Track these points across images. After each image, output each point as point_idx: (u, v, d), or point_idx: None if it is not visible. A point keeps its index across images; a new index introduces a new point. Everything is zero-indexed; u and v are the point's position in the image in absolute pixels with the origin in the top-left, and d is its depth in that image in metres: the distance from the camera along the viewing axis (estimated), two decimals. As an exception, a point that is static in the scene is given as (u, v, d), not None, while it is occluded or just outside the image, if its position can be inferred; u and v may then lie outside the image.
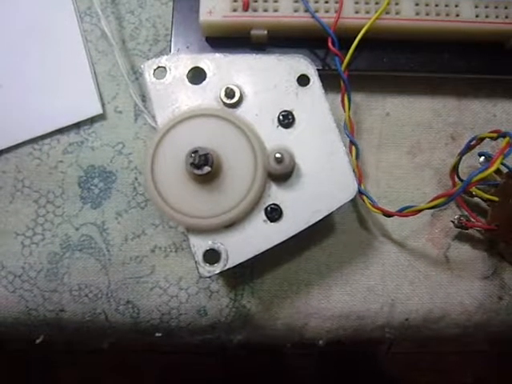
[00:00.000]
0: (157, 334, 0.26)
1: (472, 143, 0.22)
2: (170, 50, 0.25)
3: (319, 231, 0.26)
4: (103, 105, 0.27)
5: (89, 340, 0.27)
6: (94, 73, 0.27)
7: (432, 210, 0.26)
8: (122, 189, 0.26)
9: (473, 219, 0.24)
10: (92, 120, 0.26)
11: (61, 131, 0.26)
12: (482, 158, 0.24)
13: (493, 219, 0.23)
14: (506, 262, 0.25)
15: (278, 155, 0.20)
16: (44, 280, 0.26)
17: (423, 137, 0.27)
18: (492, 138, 0.21)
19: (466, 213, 0.24)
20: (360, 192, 0.24)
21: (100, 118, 0.26)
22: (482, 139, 0.21)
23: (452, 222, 0.24)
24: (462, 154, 0.23)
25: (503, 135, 0.20)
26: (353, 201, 0.26)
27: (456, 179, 0.24)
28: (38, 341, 0.27)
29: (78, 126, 0.26)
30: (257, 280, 0.25)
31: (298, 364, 0.92)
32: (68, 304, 0.26)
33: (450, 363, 0.97)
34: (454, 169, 0.24)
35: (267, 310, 0.26)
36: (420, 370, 0.96)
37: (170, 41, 0.25)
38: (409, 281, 0.26)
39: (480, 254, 0.26)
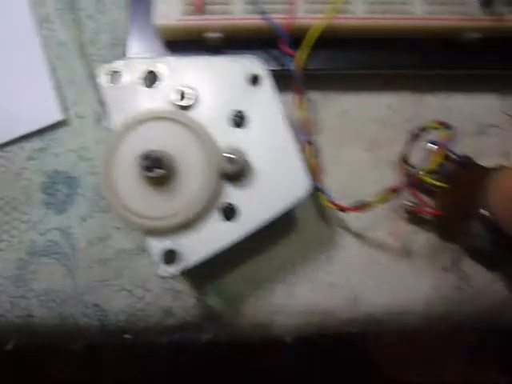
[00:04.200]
0: (125, 336, 0.27)
1: (416, 133, 0.22)
2: (127, 55, 0.25)
3: (281, 229, 0.26)
4: (65, 110, 0.27)
5: (59, 344, 0.28)
6: (55, 79, 0.27)
7: (392, 205, 0.26)
8: (86, 193, 0.26)
9: (423, 205, 0.24)
10: (55, 126, 0.27)
11: (25, 138, 0.27)
12: (429, 145, 0.24)
13: (442, 205, 0.24)
14: (462, 247, 0.26)
15: (228, 155, 0.20)
16: (11, 286, 0.26)
17: (381, 132, 0.27)
18: (435, 129, 0.21)
19: (418, 200, 0.24)
20: (317, 188, 0.24)
21: (62, 123, 0.27)
22: (424, 129, 0.22)
23: (403, 208, 0.24)
24: (408, 145, 0.23)
25: (447, 127, 0.20)
26: (314, 198, 0.26)
27: (407, 168, 0.25)
28: (8, 347, 0.27)
29: (41, 132, 0.27)
30: (221, 279, 0.26)
31: (286, 360, 0.92)
32: (36, 309, 0.26)
33: (438, 354, 0.98)
34: (403, 159, 0.24)
35: (233, 309, 0.26)
36: (408, 361, 0.97)
37: (127, 45, 0.25)
38: (371, 275, 0.26)
39: (440, 246, 0.26)
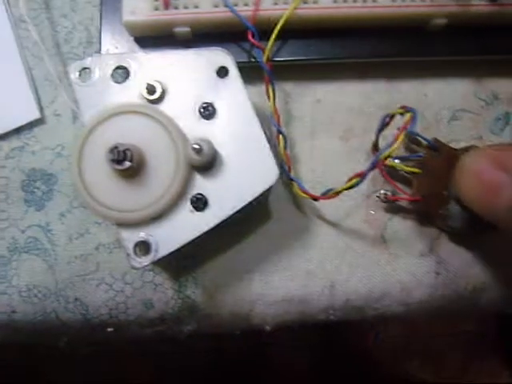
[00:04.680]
0: (108, 329, 0.27)
1: (386, 120, 0.23)
2: (101, 52, 0.26)
3: (257, 219, 0.26)
4: (42, 109, 0.27)
5: (44, 340, 0.28)
6: (32, 78, 0.27)
7: (366, 192, 0.27)
8: (64, 190, 0.27)
9: (399, 192, 0.24)
10: (31, 124, 0.27)
11: (1, 137, 0.27)
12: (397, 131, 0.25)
13: (417, 190, 0.24)
14: (440, 229, 0.26)
15: (195, 146, 0.21)
16: (-7, 283, 0.26)
17: (355, 121, 0.27)
18: (400, 114, 0.22)
19: (394, 187, 0.25)
20: (290, 179, 0.25)
21: (39, 122, 0.27)
22: (393, 116, 0.22)
23: (378, 197, 0.25)
24: (378, 131, 0.23)
25: (408, 111, 0.21)
26: (289, 189, 0.27)
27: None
28: (-6, 344, 0.28)
29: (18, 131, 0.27)
30: (199, 270, 0.26)
31: (286, 355, 0.93)
32: (18, 305, 0.26)
33: (439, 346, 0.98)
34: (375, 147, 0.25)
35: (211, 299, 0.26)
36: (409, 354, 0.97)
37: (100, 42, 0.26)
38: (347, 262, 0.26)
39: (416, 232, 0.26)
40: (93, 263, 0.26)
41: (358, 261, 0.26)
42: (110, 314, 0.26)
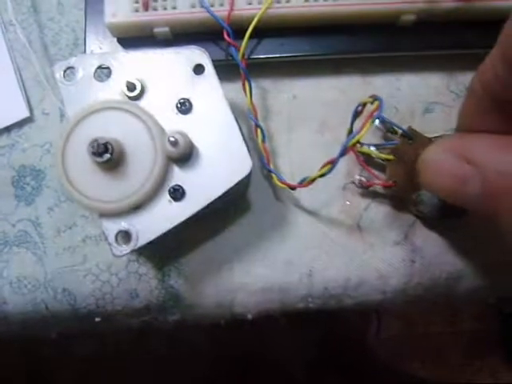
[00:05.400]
0: (96, 319, 0.28)
1: (358, 109, 0.24)
2: (85, 53, 0.27)
3: (237, 211, 0.27)
4: (31, 109, 0.28)
5: (35, 331, 0.29)
6: (21, 79, 0.28)
7: (343, 183, 0.28)
8: (52, 185, 0.28)
9: (373, 178, 0.25)
10: (21, 123, 0.28)
11: (-8, 136, 0.28)
12: (377, 121, 0.26)
13: (390, 176, 0.25)
14: (414, 216, 0.27)
15: (171, 138, 0.22)
16: (-15, 275, 0.27)
17: (331, 115, 0.28)
18: (370, 103, 0.23)
19: (369, 173, 0.26)
20: (268, 170, 0.26)
21: (28, 120, 0.28)
22: (364, 104, 0.23)
23: (353, 182, 0.26)
24: (352, 122, 0.24)
25: (376, 99, 0.22)
26: (267, 181, 0.28)
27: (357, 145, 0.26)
28: (-13, 335, 0.29)
29: (8, 129, 0.28)
30: (182, 260, 0.27)
31: (286, 354, 0.93)
32: (9, 296, 0.27)
33: (438, 344, 0.98)
34: (349, 135, 0.25)
35: (194, 289, 0.27)
36: (409, 353, 0.97)
37: (85, 44, 0.27)
38: (324, 251, 0.27)
39: (391, 221, 0.27)
40: (80, 255, 0.27)
41: (335, 250, 0.27)
42: (96, 304, 0.27)
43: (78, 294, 0.27)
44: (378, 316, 0.96)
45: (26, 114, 0.28)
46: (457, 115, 0.27)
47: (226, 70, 0.25)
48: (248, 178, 0.26)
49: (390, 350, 0.99)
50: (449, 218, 0.25)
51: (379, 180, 0.26)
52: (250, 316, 0.28)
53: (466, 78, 0.29)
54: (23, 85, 0.28)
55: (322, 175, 0.23)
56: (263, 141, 0.26)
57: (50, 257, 0.27)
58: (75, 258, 0.27)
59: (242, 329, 0.89)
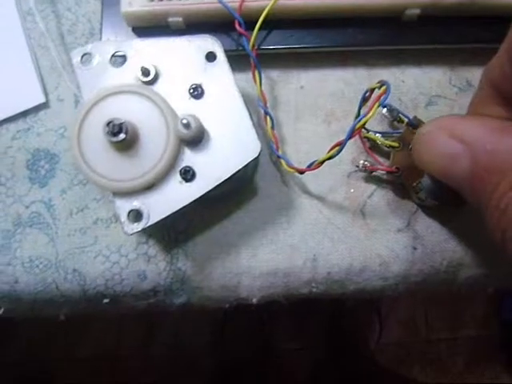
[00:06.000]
0: (104, 301, 0.29)
1: (366, 95, 0.25)
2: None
3: (245, 196, 0.28)
4: (47, 95, 0.29)
5: (44, 311, 0.30)
6: (38, 66, 0.29)
7: (348, 171, 0.28)
8: (66, 168, 0.29)
9: (377, 164, 0.26)
10: (37, 108, 0.29)
11: (9, 120, 0.29)
12: (385, 110, 0.26)
13: (394, 163, 0.26)
14: (415, 203, 0.27)
15: (184, 121, 0.23)
16: (-2, 255, 0.28)
17: (337, 105, 0.29)
18: (378, 88, 0.23)
19: (372, 158, 0.26)
20: (278, 156, 0.27)
21: (44, 106, 0.29)
22: (372, 90, 0.24)
23: (357, 166, 0.26)
24: (359, 107, 0.25)
25: (383, 84, 0.23)
26: (275, 166, 0.28)
27: (363, 131, 0.27)
28: (-2, 313, 0.29)
29: (24, 114, 0.29)
30: (190, 243, 0.28)
31: (290, 358, 0.93)
32: (21, 276, 0.28)
33: (440, 351, 0.98)
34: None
35: (201, 272, 0.28)
36: (410, 359, 0.97)
37: (101, 33, 0.28)
38: (328, 237, 0.28)
39: (393, 208, 0.28)
40: (91, 236, 0.28)
41: (338, 236, 0.28)
42: (106, 285, 0.28)
43: (88, 274, 0.28)
44: (380, 321, 0.96)
45: (41, 99, 0.29)
46: (459, 109, 0.28)
47: (236, 60, 0.26)
48: (256, 162, 0.27)
49: (391, 355, 0.99)
50: (447, 205, 0.26)
51: (383, 166, 0.26)
52: (254, 300, 0.29)
53: (468, 73, 0.30)
54: (40, 72, 0.29)
55: (330, 157, 0.23)
56: (272, 128, 0.26)
57: (62, 238, 0.28)
58: (86, 239, 0.28)
59: (246, 330, 0.89)
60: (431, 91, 0.29)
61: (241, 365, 0.89)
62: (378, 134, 0.26)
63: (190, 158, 0.24)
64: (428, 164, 0.20)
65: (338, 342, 0.95)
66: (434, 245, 0.28)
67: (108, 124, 0.22)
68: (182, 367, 0.98)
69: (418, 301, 1.04)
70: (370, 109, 0.21)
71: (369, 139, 0.27)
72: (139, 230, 0.23)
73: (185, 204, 0.23)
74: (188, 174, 0.24)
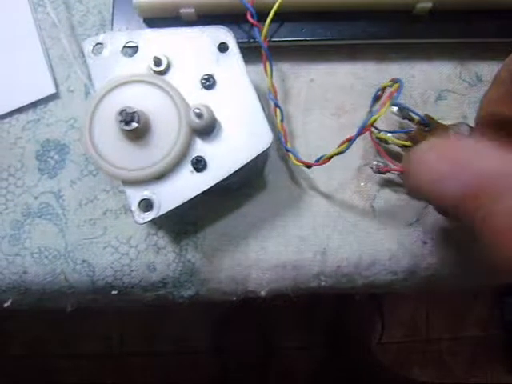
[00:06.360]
0: (113, 292, 0.29)
1: (378, 94, 0.25)
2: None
3: (254, 189, 0.28)
4: (57, 86, 0.29)
5: (52, 302, 0.30)
6: (48, 57, 0.29)
7: (358, 165, 0.28)
8: (75, 159, 0.29)
9: (390, 164, 0.26)
10: (47, 99, 0.29)
11: (19, 111, 0.29)
12: (395, 108, 0.26)
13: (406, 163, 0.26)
14: (426, 202, 0.27)
15: (196, 110, 0.23)
16: (7, 245, 0.28)
17: (346, 99, 0.29)
18: (390, 86, 0.23)
19: (385, 159, 0.26)
20: (286, 150, 0.26)
21: (54, 97, 0.29)
22: (384, 88, 0.24)
23: (371, 168, 0.26)
24: (371, 105, 0.25)
25: (396, 82, 0.23)
26: (284, 161, 0.28)
27: (372, 129, 0.27)
28: (6, 304, 0.29)
29: (34, 105, 0.29)
30: (199, 235, 0.28)
31: (291, 357, 0.93)
32: (30, 266, 0.28)
33: (441, 351, 0.98)
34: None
35: (210, 264, 0.28)
36: (411, 358, 0.97)
37: (112, 23, 0.28)
38: (338, 230, 0.28)
39: (404, 203, 0.28)
40: (100, 227, 0.28)
41: (348, 229, 0.28)
42: (114, 276, 0.28)
43: (97, 265, 0.28)
44: (382, 320, 0.96)
45: (52, 90, 0.29)
46: (468, 103, 0.28)
47: (247, 53, 0.26)
48: (266, 154, 0.27)
49: (392, 354, 0.99)
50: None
51: (395, 166, 0.26)
52: (262, 293, 0.29)
53: (477, 68, 0.30)
54: (50, 62, 0.29)
55: (339, 153, 0.23)
56: (282, 121, 0.26)
57: (71, 228, 0.28)
58: (95, 230, 0.28)
59: (247, 329, 0.89)
60: (441, 86, 0.29)
61: (242, 364, 0.89)
62: (388, 134, 0.26)
63: (201, 147, 0.24)
64: (416, 183, 0.19)
65: (339, 341, 0.95)
66: (444, 239, 0.28)
67: (121, 112, 0.22)
68: (184, 365, 0.98)
69: (420, 301, 1.04)
70: (383, 105, 0.21)
71: (380, 139, 0.26)
72: (150, 219, 0.23)
73: (196, 194, 0.23)
74: (199, 164, 0.24)
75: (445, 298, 1.02)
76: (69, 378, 1.00)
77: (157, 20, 0.28)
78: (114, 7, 0.28)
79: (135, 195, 0.23)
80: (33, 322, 0.96)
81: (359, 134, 0.22)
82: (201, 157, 0.24)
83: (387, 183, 0.28)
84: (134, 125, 0.22)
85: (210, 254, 0.28)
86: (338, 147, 0.23)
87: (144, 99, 0.24)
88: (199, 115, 0.23)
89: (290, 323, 0.98)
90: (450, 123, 0.27)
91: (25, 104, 0.29)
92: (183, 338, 0.99)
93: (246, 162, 0.24)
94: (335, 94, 0.29)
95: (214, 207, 0.28)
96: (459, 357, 1.03)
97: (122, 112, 0.22)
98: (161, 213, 0.23)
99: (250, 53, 0.27)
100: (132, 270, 0.28)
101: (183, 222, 0.28)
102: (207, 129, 0.24)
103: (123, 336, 1.00)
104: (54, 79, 0.29)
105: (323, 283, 0.28)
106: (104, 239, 0.28)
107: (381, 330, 0.96)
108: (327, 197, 0.28)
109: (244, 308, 0.92)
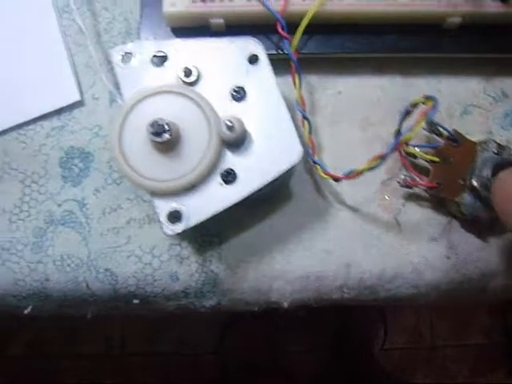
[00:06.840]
0: (134, 301, 0.29)
1: (408, 109, 0.24)
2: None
3: (280, 201, 0.28)
4: (82, 93, 0.29)
5: (73, 309, 0.30)
6: (73, 64, 0.29)
7: (382, 178, 0.28)
8: (100, 167, 0.29)
9: (417, 178, 0.26)
10: (71, 107, 0.29)
11: (44, 117, 0.29)
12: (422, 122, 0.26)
13: (434, 178, 0.26)
14: (452, 216, 0.27)
15: (228, 122, 0.23)
16: (30, 253, 0.28)
17: (373, 112, 0.29)
18: (422, 103, 0.23)
19: (412, 173, 0.26)
20: (313, 162, 0.26)
21: (79, 104, 0.29)
22: (415, 104, 0.24)
23: (398, 182, 0.26)
24: (401, 121, 0.25)
25: (430, 98, 0.22)
26: (310, 173, 0.28)
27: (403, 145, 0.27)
28: (26, 311, 0.29)
29: (59, 112, 0.29)
30: (224, 246, 0.28)
31: (295, 361, 0.93)
32: (52, 274, 0.28)
33: (444, 357, 0.98)
34: (396, 134, 0.26)
35: (234, 275, 0.28)
36: (414, 365, 0.97)
37: (139, 32, 0.28)
38: (362, 244, 0.28)
39: (428, 218, 0.28)
40: (124, 236, 0.28)
41: (372, 242, 0.28)
42: (137, 285, 0.28)
43: (120, 274, 0.28)
44: (385, 326, 0.96)
45: (76, 97, 0.29)
46: (493, 119, 0.28)
47: (275, 64, 0.26)
48: (294, 166, 0.26)
49: (396, 360, 0.99)
50: (489, 221, 0.26)
51: (423, 181, 0.26)
52: (285, 304, 0.29)
53: (502, 83, 0.30)
54: (75, 70, 0.29)
55: (370, 168, 0.23)
56: (310, 133, 0.26)
57: (95, 237, 0.28)
58: (119, 239, 0.28)
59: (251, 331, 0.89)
60: (466, 100, 0.29)
61: (245, 366, 0.89)
62: (416, 148, 0.26)
63: (231, 160, 0.24)
64: (504, 210, 0.19)
65: (342, 346, 0.95)
66: (468, 254, 0.28)
67: (152, 124, 0.22)
68: (184, 365, 0.98)
69: (423, 307, 1.04)
70: (417, 123, 0.21)
71: (408, 154, 0.26)
72: (180, 231, 0.23)
73: (225, 206, 0.23)
74: (229, 176, 0.24)
75: (448, 305, 1.02)
76: (69, 378, 1.00)
77: (185, 29, 0.28)
78: (141, 16, 0.28)
79: (164, 207, 0.23)
80: (33, 322, 0.96)
81: (392, 151, 0.22)
82: (231, 169, 0.24)
83: (412, 197, 0.28)
84: (166, 136, 0.22)
85: (234, 265, 0.28)
86: (369, 163, 0.23)
87: (174, 110, 0.24)
88: (230, 128, 0.23)
89: (293, 326, 0.98)
90: (476, 139, 0.27)
91: (49, 111, 0.29)
92: (184, 339, 0.99)
93: (276, 176, 0.23)
94: (362, 107, 0.29)
95: (238, 218, 0.28)
96: (462, 364, 1.03)
97: (154, 124, 0.22)
98: (190, 225, 0.23)
99: (278, 64, 0.26)
100: (155, 280, 0.28)
101: (207, 233, 0.28)
102: (238, 141, 0.24)
103: (124, 337, 1.00)
104: (79, 86, 0.29)
105: (346, 295, 0.28)
106: (127, 248, 0.28)
107: (384, 336, 0.96)
108: (352, 210, 0.28)
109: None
